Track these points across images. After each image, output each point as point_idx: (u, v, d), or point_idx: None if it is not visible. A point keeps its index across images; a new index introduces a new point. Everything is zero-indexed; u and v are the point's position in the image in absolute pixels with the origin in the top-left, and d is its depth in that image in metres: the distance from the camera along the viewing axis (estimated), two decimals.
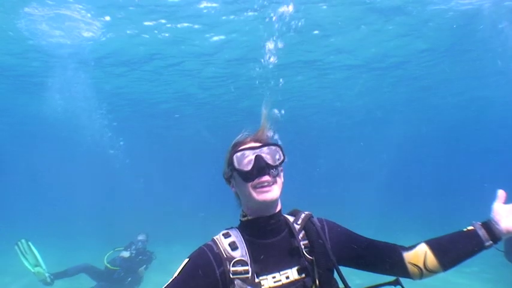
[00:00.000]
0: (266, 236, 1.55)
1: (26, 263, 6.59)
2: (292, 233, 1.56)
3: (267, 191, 1.49)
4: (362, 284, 1.49)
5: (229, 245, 1.51)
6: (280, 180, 1.56)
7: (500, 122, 21.12)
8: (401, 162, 33.19)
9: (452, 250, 1.55)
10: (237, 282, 1.42)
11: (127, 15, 8.34)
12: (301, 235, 1.57)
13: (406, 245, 1.64)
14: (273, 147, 1.57)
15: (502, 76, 13.55)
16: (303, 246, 1.54)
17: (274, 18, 7.98)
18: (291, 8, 7.59)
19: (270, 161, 1.53)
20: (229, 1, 7.88)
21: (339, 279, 1.51)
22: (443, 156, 32.87)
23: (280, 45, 8.39)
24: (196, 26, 8.98)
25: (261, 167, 1.49)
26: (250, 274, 1.44)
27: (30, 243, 6.67)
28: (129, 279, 6.92)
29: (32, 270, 6.58)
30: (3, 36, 9.20)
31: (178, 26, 8.95)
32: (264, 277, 1.47)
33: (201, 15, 8.42)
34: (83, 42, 9.49)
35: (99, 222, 20.21)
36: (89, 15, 8.27)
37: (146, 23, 8.79)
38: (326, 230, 1.63)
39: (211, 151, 14.56)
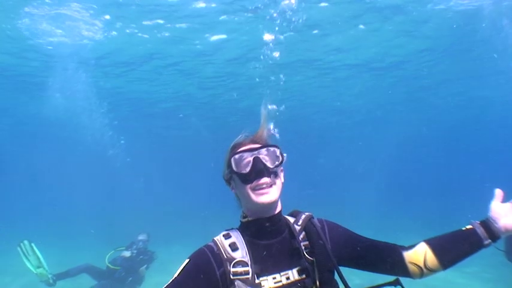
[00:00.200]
0: (266, 237, 1.55)
1: (29, 264, 6.59)
2: (292, 234, 1.56)
3: (265, 193, 1.49)
4: (362, 284, 1.49)
5: (229, 245, 1.51)
6: (279, 181, 1.56)
7: (500, 122, 21.12)
8: (401, 162, 33.19)
9: (452, 249, 1.56)
10: (237, 283, 1.42)
11: (127, 14, 8.35)
12: (301, 236, 1.57)
13: (406, 245, 1.65)
14: (272, 149, 1.57)
15: (502, 75, 13.55)
16: (303, 247, 1.54)
17: (274, 14, 7.99)
18: (293, 0, 7.56)
19: (268, 163, 1.52)
20: (228, 1, 7.88)
21: (339, 279, 1.51)
22: (443, 156, 32.87)
23: (281, 37, 8.39)
24: (195, 26, 8.98)
25: (259, 169, 1.49)
26: (250, 275, 1.43)
27: (33, 245, 6.67)
28: (130, 278, 6.92)
29: (35, 272, 6.59)
30: (3, 36, 9.20)
31: (177, 26, 8.95)
32: (265, 278, 1.47)
33: (201, 14, 8.42)
34: (83, 42, 9.50)
35: (99, 222, 20.21)
36: (88, 14, 8.28)
37: (146, 23, 8.79)
38: (326, 231, 1.64)
39: (211, 151, 14.57)
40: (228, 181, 1.65)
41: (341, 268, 1.53)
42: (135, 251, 7.06)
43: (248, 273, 1.44)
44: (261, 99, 13.16)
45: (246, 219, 1.59)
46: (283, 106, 14.69)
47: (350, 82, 13.73)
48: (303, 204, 1.91)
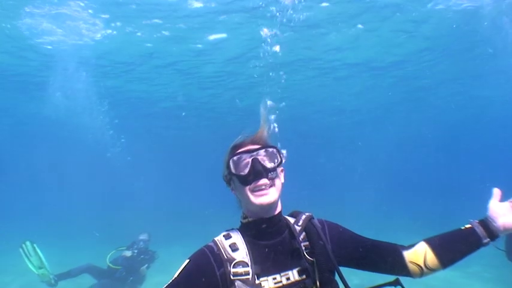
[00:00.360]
0: (267, 238, 1.55)
1: (30, 265, 6.59)
2: (292, 235, 1.56)
3: (264, 194, 1.49)
4: (362, 284, 1.49)
5: (229, 246, 1.51)
6: (279, 182, 1.56)
7: (500, 122, 21.12)
8: (401, 162, 33.17)
9: (452, 248, 1.58)
10: (237, 283, 1.42)
11: (126, 14, 8.35)
12: (301, 236, 1.57)
13: (406, 245, 1.66)
14: (270, 150, 1.57)
15: (502, 75, 13.55)
16: (303, 248, 1.54)
17: (277, 14, 7.99)
18: None
19: (267, 164, 1.52)
20: (228, 1, 7.87)
21: (340, 280, 1.52)
22: (443, 156, 32.87)
23: (279, 33, 8.40)
24: (195, 25, 8.98)
25: (257, 171, 1.49)
26: (250, 275, 1.43)
27: (35, 245, 6.67)
28: (131, 278, 6.92)
29: (36, 272, 6.58)
30: (3, 36, 9.20)
31: (177, 25, 8.95)
32: (265, 278, 1.47)
33: (200, 14, 8.42)
34: (83, 41, 9.50)
35: (99, 222, 20.20)
36: (88, 14, 8.28)
37: (145, 22, 8.79)
38: (327, 231, 1.64)
39: (211, 151, 14.55)
40: (228, 182, 1.65)
41: (341, 268, 1.54)
42: (136, 251, 7.06)
43: (248, 274, 1.44)
44: (261, 98, 13.16)
45: (246, 220, 1.59)
46: (284, 103, 14.70)
47: (350, 82, 13.73)
48: (302, 205, 1.91)
